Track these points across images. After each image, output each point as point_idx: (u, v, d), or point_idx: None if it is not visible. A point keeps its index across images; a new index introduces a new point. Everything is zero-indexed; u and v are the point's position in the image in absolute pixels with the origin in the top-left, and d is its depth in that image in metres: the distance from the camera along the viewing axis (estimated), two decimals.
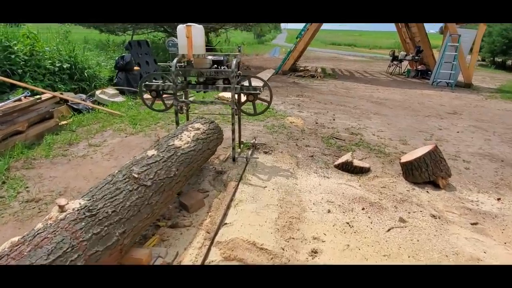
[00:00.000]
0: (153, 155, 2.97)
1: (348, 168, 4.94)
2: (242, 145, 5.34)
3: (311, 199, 3.99)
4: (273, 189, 4.11)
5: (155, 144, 3.29)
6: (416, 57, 17.94)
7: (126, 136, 5.87)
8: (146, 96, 4.94)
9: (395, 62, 19.06)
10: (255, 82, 4.59)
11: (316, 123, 7.52)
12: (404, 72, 18.86)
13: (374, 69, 21.10)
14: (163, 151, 3.09)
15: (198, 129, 3.92)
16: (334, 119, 7.96)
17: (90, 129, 6.14)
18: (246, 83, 4.60)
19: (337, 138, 6.48)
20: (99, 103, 7.82)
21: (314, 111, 8.73)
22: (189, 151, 3.36)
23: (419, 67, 18.17)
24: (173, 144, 3.28)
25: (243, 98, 4.70)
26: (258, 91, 4.40)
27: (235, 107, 4.64)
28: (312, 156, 5.41)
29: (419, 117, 8.74)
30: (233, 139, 4.63)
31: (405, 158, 4.92)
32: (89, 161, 4.83)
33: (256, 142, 5.43)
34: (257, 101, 4.67)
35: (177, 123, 4.68)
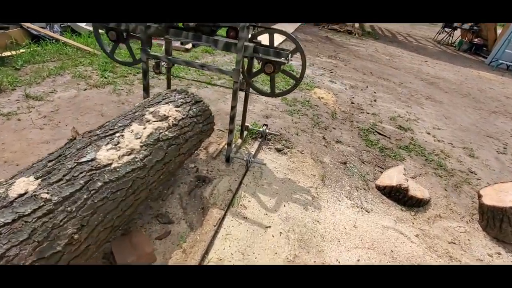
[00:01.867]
0: (34, 195, 1.31)
1: (398, 196, 3.23)
2: (245, 133, 3.58)
3: (341, 259, 2.37)
4: (281, 233, 2.48)
5: (58, 156, 1.60)
6: (475, 28, 14.97)
7: (85, 89, 4.12)
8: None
9: (447, 29, 16.07)
10: (279, 40, 2.65)
11: (352, 103, 5.61)
12: (454, 43, 15.99)
13: (418, 33, 18.06)
14: (63, 184, 1.42)
15: (166, 117, 2.16)
16: (375, 100, 6.01)
17: (40, 70, 4.38)
18: (262, 40, 2.69)
19: (380, 134, 4.66)
20: (73, 32, 5.92)
21: (350, 83, 6.72)
22: (127, 173, 1.68)
23: (475, 40, 15.23)
24: (95, 160, 1.58)
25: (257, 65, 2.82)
26: (283, 59, 2.53)
27: (241, 80, 2.82)
28: (345, 163, 3.67)
29: (483, 113, 6.70)
30: (231, 131, 2.87)
31: (489, 197, 3.17)
32: (11, 126, 3.17)
33: (267, 130, 3.66)
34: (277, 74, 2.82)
35: (146, 90, 2.90)
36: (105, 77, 4.44)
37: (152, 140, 1.96)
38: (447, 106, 6.63)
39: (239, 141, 3.43)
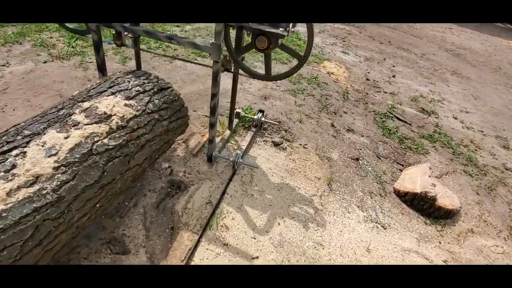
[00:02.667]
0: None
1: (422, 206, 2.61)
2: (235, 121, 2.91)
3: None
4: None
5: None
6: None
7: (45, 62, 3.41)
8: None
9: None
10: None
11: (367, 79, 4.82)
12: None
13: None
14: None
15: (107, 117, 1.51)
16: (394, 75, 5.19)
17: None
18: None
19: (399, 119, 3.94)
20: None
21: (365, 54, 5.86)
22: (22, 218, 1.06)
23: None
24: None
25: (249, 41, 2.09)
26: (281, 30, 1.80)
27: (227, 59, 2.10)
28: (357, 159, 3.01)
29: None
30: (211, 125, 2.21)
31: None
32: None
33: (263, 118, 2.97)
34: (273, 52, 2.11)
35: (100, 70, 2.20)
36: (72, 47, 3.70)
37: (78, 156, 1.31)
38: (475, 83, 5.77)
39: (227, 132, 2.77)
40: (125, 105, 1.61)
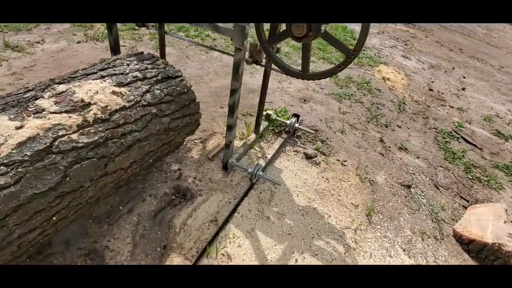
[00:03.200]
0: None
1: (492, 262, 1.98)
2: (263, 125, 2.49)
3: None
4: None
5: None
6: None
7: (78, 42, 3.28)
8: None
9: None
10: None
11: (430, 90, 4.10)
12: None
13: None
14: None
15: (85, 105, 1.17)
16: (463, 88, 4.39)
17: None
18: None
19: (467, 141, 3.23)
20: None
21: (430, 60, 5.08)
22: None
23: None
24: None
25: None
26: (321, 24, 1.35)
27: (257, 49, 1.70)
28: (409, 186, 2.43)
29: None
30: (229, 128, 1.83)
31: None
32: None
33: (297, 124, 2.52)
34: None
35: (113, 50, 1.92)
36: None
37: (29, 154, 0.99)
38: None
39: (252, 136, 2.37)
40: (113, 92, 1.27)
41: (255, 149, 2.36)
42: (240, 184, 2.06)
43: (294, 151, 2.45)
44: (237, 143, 2.41)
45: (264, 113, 2.52)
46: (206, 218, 1.80)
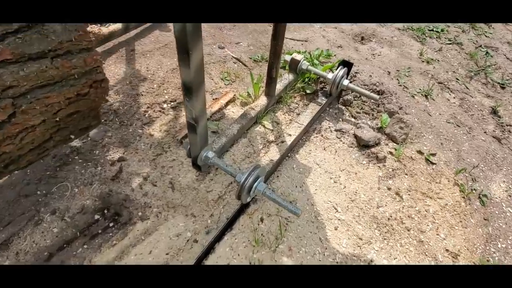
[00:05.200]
0: None
1: None
2: (284, 79, 1.39)
3: None
4: None
5: None
6: None
7: None
8: None
9: None
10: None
11: None
12: None
13: None
14: None
15: None
16: None
17: None
18: None
19: None
20: None
21: None
22: None
23: None
24: None
25: None
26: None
27: None
28: None
29: None
30: (187, 89, 0.77)
31: None
32: None
33: (346, 81, 1.38)
34: None
35: None
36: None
37: None
38: None
39: (261, 101, 1.30)
40: None
41: (264, 126, 1.31)
42: (223, 199, 1.07)
43: (337, 130, 1.36)
44: (234, 111, 1.37)
45: (286, 58, 1.41)
46: None
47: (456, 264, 1.05)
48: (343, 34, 1.97)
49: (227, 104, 1.39)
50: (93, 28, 1.53)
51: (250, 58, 1.68)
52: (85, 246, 0.97)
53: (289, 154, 1.24)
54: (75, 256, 0.95)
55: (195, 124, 0.90)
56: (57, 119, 0.88)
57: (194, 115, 0.88)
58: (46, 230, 1.00)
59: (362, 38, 1.97)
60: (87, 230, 1.01)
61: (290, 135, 1.26)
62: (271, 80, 1.26)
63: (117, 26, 1.60)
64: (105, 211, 1.05)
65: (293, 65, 1.40)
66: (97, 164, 1.16)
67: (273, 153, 1.19)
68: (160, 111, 1.35)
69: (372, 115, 1.43)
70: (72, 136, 1.03)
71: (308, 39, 1.87)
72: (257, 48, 1.77)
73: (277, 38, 1.13)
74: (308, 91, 1.45)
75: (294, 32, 1.96)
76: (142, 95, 1.41)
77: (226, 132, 1.16)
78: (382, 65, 1.75)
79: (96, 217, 1.04)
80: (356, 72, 1.55)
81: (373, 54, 1.85)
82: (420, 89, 1.64)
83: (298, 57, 1.39)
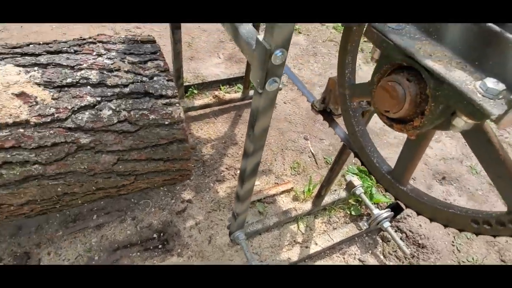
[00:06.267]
0: None
1: None
2: (334, 196, 1.61)
3: None
4: None
5: None
6: None
7: None
8: None
9: None
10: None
11: None
12: None
13: None
14: None
15: None
16: None
17: None
18: None
19: None
20: None
21: None
22: None
23: None
24: None
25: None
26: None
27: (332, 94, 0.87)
28: None
29: None
30: (238, 198, 1.11)
31: None
32: None
33: (387, 223, 1.51)
34: None
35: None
36: None
37: None
38: None
39: (306, 205, 1.53)
40: (21, 95, 0.80)
41: (298, 227, 1.54)
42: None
43: (360, 260, 1.49)
44: (285, 201, 1.64)
45: (347, 177, 1.61)
46: None
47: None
48: (425, 166, 2.02)
49: (282, 192, 1.67)
50: (220, 93, 2.04)
51: (324, 158, 1.92)
52: (138, 253, 1.39)
53: (306, 260, 1.45)
54: (129, 257, 1.38)
55: (236, 216, 1.22)
56: (155, 184, 1.31)
57: (236, 211, 1.19)
58: (124, 229, 1.46)
59: (443, 178, 1.99)
60: (145, 242, 1.43)
61: (316, 244, 1.46)
62: (320, 194, 1.49)
63: (237, 95, 2.07)
64: (161, 234, 1.46)
65: (349, 187, 1.59)
66: (173, 197, 1.59)
67: (294, 254, 1.41)
68: (233, 175, 1.73)
69: (402, 261, 1.50)
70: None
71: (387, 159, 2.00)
72: (336, 150, 1.99)
73: (338, 162, 1.36)
74: (353, 213, 1.61)
75: (380, 149, 2.11)
76: (228, 156, 1.81)
77: (264, 221, 1.44)
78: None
79: (154, 235, 1.46)
80: (408, 215, 1.63)
81: (445, 199, 1.85)
82: (472, 258, 1.60)
83: (356, 182, 1.58)
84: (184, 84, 2.01)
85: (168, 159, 1.03)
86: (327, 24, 3.09)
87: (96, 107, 0.87)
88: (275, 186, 1.68)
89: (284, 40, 0.65)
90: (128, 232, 1.44)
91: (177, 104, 0.96)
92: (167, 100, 0.95)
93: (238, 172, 1.74)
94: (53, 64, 0.88)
